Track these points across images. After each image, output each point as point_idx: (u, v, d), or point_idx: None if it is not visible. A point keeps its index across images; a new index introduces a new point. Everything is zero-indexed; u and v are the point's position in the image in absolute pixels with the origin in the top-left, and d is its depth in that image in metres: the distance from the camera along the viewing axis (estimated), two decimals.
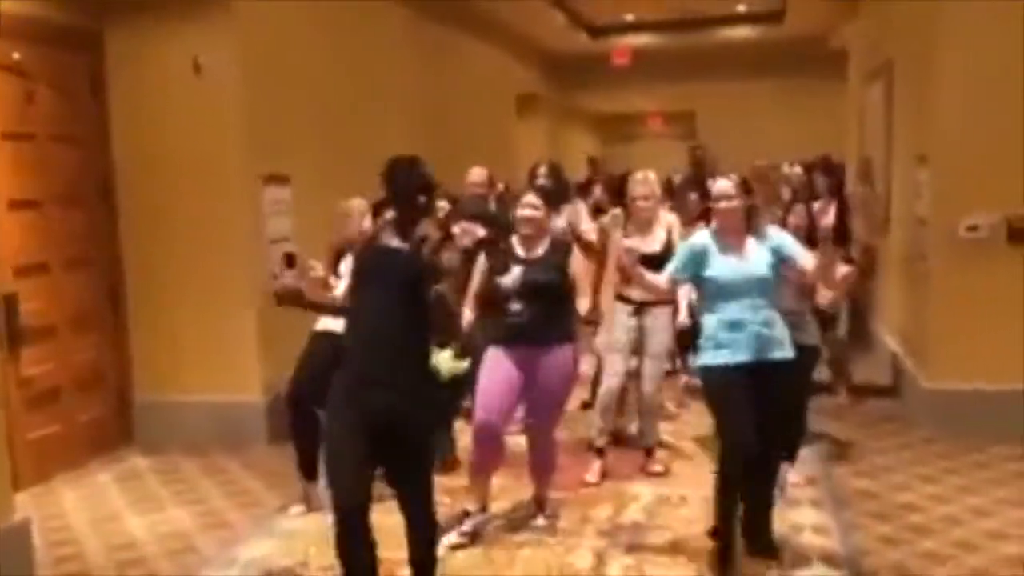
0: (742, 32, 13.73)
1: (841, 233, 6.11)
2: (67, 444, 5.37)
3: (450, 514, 4.32)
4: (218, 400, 5.73)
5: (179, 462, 5.51)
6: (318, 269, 4.45)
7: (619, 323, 4.89)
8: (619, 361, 4.89)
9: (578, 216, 5.67)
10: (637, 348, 4.91)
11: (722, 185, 3.89)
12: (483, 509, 4.31)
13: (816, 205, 5.86)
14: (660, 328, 4.89)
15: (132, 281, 5.83)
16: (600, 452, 4.98)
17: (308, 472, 4.65)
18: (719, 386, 3.81)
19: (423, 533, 3.39)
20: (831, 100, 11.84)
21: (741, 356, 3.74)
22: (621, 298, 4.86)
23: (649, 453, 5.08)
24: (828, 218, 5.88)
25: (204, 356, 5.76)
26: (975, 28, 5.49)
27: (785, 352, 3.81)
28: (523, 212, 4.19)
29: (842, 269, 4.05)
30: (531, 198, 4.24)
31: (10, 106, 5.02)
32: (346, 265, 4.45)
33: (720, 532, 3.89)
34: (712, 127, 14.04)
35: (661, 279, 4.04)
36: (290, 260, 4.92)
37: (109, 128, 5.71)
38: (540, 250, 4.18)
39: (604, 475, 4.95)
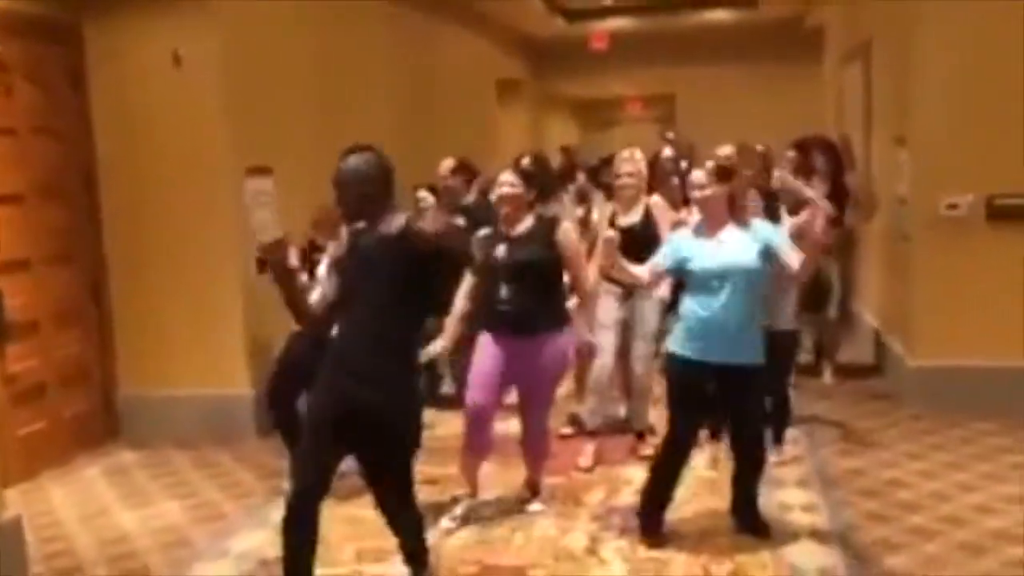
0: (719, 15, 13.75)
1: (835, 219, 6.12)
2: (54, 440, 5.34)
3: (433, 501, 4.35)
4: (206, 393, 5.71)
5: (167, 456, 5.50)
6: (292, 258, 4.41)
7: (607, 305, 4.90)
8: (609, 340, 4.88)
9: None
10: (626, 330, 4.93)
11: (695, 176, 3.97)
12: (473, 495, 4.34)
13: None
14: (648, 309, 4.90)
15: (116, 275, 5.79)
16: (592, 435, 5.00)
17: None
18: (680, 378, 3.88)
19: (410, 524, 3.38)
20: (809, 81, 11.89)
21: (710, 356, 3.78)
22: (610, 280, 4.86)
23: (640, 436, 5.11)
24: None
25: (190, 349, 5.73)
26: (954, 7, 5.53)
27: (755, 358, 3.84)
28: (501, 190, 4.17)
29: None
30: (507, 176, 4.20)
31: None
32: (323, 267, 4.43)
33: (643, 511, 4.05)
34: (692, 110, 14.07)
35: (643, 271, 4.02)
36: (261, 266, 4.87)
37: (90, 121, 5.65)
38: (523, 227, 4.15)
39: (597, 459, 4.97)
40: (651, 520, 4.03)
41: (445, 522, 4.18)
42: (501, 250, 4.04)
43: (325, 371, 3.29)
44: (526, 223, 4.16)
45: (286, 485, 4.64)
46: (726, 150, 6.14)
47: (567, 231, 4.18)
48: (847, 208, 6.35)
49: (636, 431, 5.14)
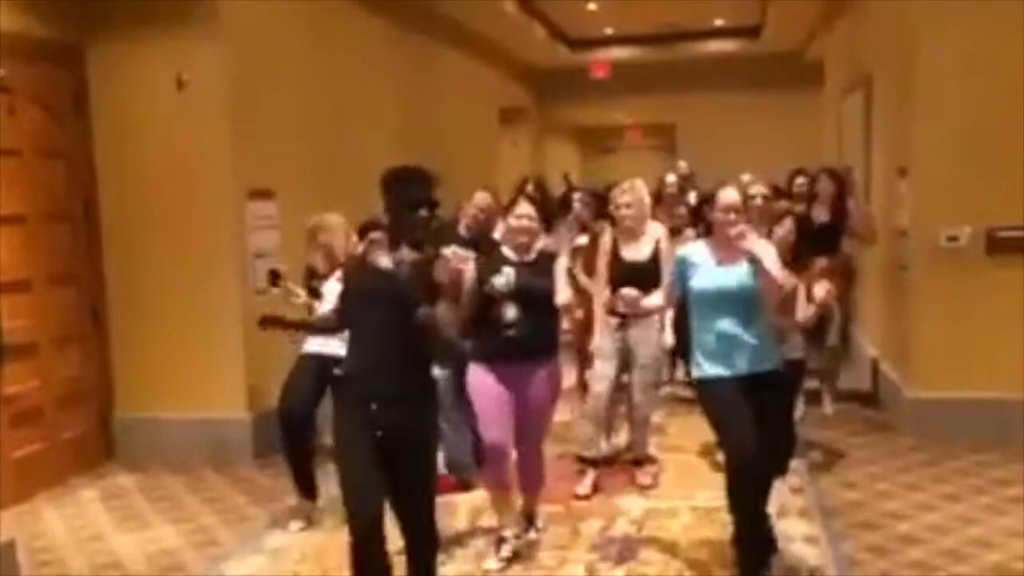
0: (720, 46, 13.85)
1: (832, 244, 6.12)
2: (50, 462, 5.32)
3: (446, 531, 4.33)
4: (203, 417, 5.69)
5: (163, 479, 5.46)
6: (302, 296, 4.49)
7: (604, 335, 4.89)
8: (608, 367, 4.87)
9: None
10: (625, 360, 4.91)
11: (732, 199, 3.78)
12: (517, 535, 4.25)
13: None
14: (647, 339, 4.87)
15: (115, 297, 5.79)
16: (593, 464, 4.97)
17: (307, 491, 4.67)
18: (716, 395, 3.78)
19: (425, 550, 3.37)
20: (809, 111, 11.97)
21: (736, 369, 3.75)
22: (610, 311, 4.86)
23: (639, 464, 5.08)
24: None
25: (187, 372, 5.72)
26: (954, 40, 5.58)
27: (774, 364, 3.83)
28: (519, 222, 4.14)
29: (820, 288, 4.04)
30: (525, 208, 4.18)
31: None
32: (328, 286, 4.43)
33: (740, 538, 3.83)
34: (692, 139, 14.13)
35: (659, 298, 4.02)
36: (275, 278, 4.91)
37: (92, 143, 5.67)
38: (531, 255, 4.16)
39: (595, 488, 4.93)
40: (753, 555, 3.82)
41: (493, 563, 4.10)
42: (511, 275, 4.00)
43: (348, 402, 3.31)
44: (533, 252, 4.18)
45: (294, 526, 4.63)
46: (759, 188, 5.87)
47: (560, 266, 4.20)
48: (844, 236, 6.35)
49: (634, 460, 5.12)
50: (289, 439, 4.64)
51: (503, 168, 11.88)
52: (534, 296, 4.01)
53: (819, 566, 4.01)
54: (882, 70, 7.01)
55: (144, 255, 5.71)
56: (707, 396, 3.85)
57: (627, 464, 5.19)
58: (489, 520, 4.55)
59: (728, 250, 3.80)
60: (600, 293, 4.90)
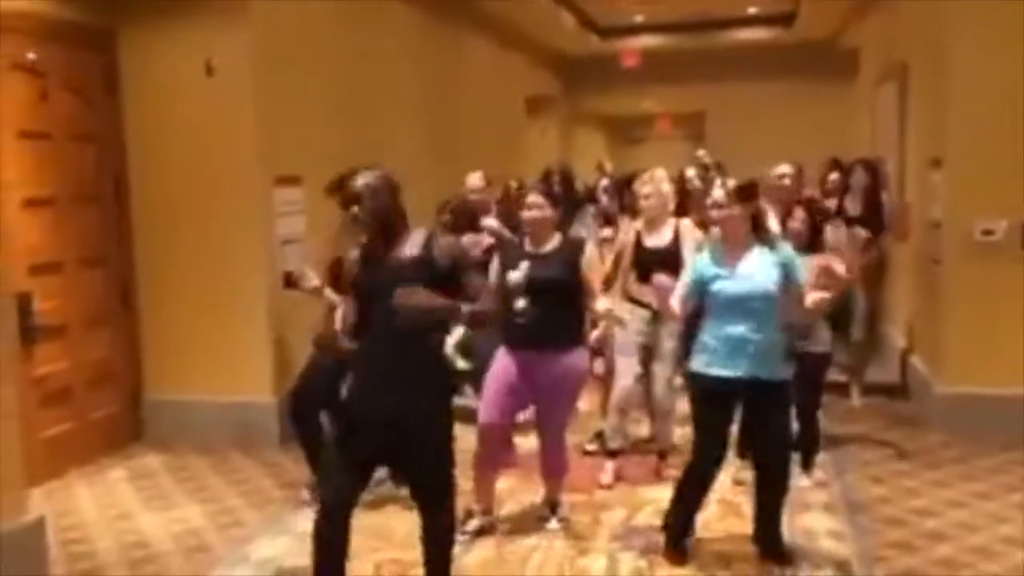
0: (753, 34, 13.69)
1: (868, 240, 6.06)
2: (80, 441, 5.39)
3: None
4: (229, 400, 5.74)
5: (190, 460, 5.52)
6: (314, 279, 4.50)
7: (631, 325, 4.86)
8: (633, 362, 4.85)
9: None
10: (648, 353, 4.88)
11: (715, 195, 3.91)
12: (487, 512, 4.31)
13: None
14: (667, 332, 4.83)
15: (144, 280, 5.84)
16: (613, 454, 4.96)
17: (316, 467, 4.71)
18: (705, 398, 3.86)
19: (438, 537, 3.38)
20: (842, 102, 11.82)
21: (736, 371, 3.75)
22: (635, 301, 4.85)
23: (663, 456, 5.06)
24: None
25: (215, 355, 5.76)
26: (989, 30, 5.48)
27: (779, 374, 3.82)
28: (529, 214, 4.20)
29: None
30: (535, 198, 4.21)
31: (25, 105, 5.02)
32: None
33: (669, 529, 4.04)
34: (722, 129, 14.00)
35: (676, 305, 3.97)
36: (288, 280, 4.98)
37: (123, 127, 5.72)
38: (548, 246, 4.17)
39: (618, 477, 4.93)
40: (674, 538, 4.00)
41: (456, 536, 4.15)
42: (524, 266, 4.01)
43: (350, 387, 3.31)
44: (552, 242, 4.18)
45: (305, 494, 4.70)
46: (784, 168, 5.92)
47: (589, 257, 4.18)
48: (884, 228, 6.27)
49: (658, 451, 5.09)
50: (298, 426, 4.69)
51: (530, 157, 11.84)
52: (544, 288, 4.01)
53: (844, 561, 3.97)
54: (917, 60, 6.90)
55: (173, 238, 5.76)
56: (697, 394, 3.93)
57: (651, 455, 5.16)
58: (511, 507, 4.57)
59: (734, 247, 3.80)
60: (625, 278, 4.89)
